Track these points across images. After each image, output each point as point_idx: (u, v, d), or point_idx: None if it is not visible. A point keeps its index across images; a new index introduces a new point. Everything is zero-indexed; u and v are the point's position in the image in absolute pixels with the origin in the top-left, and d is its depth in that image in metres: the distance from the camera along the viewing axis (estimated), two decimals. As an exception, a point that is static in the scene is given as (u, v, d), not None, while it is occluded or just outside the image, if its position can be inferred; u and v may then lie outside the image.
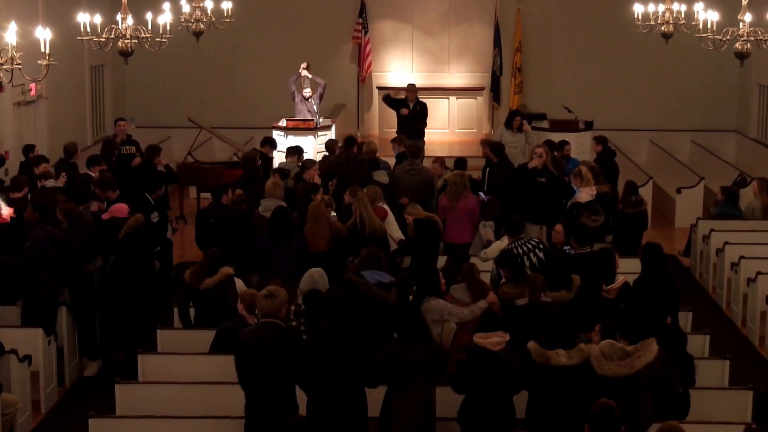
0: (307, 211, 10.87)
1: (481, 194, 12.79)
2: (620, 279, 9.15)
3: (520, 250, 10.00)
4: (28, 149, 14.00)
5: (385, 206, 11.60)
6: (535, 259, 9.94)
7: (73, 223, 10.85)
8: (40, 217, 10.49)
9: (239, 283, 9.65)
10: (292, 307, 8.56)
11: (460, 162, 13.51)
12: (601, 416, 6.41)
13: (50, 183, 12.10)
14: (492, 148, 13.95)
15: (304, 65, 16.74)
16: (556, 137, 15.34)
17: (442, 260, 10.97)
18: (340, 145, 14.51)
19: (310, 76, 16.68)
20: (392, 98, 17.27)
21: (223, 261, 9.51)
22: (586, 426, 6.44)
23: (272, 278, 9.09)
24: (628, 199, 12.60)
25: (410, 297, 9.05)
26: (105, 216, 10.88)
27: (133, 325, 10.36)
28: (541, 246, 10.17)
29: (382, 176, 13.11)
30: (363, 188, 11.45)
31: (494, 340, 7.46)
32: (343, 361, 7.37)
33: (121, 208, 10.79)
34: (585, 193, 12.34)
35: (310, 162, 13.38)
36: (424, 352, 7.53)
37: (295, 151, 14.16)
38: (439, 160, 13.75)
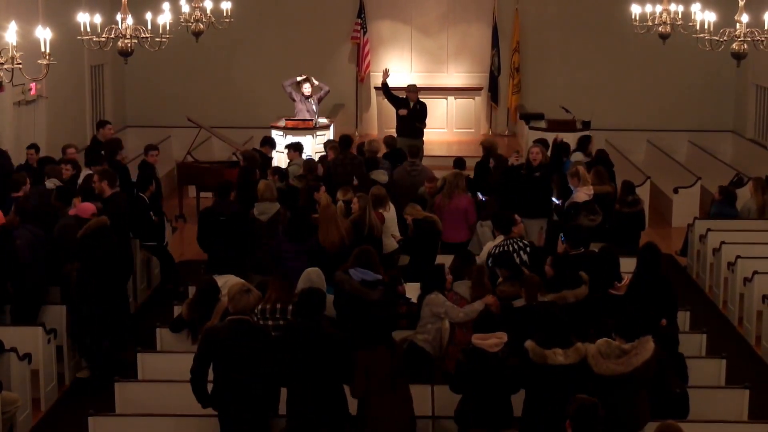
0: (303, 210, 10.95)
1: (479, 194, 12.81)
2: (626, 277, 9.19)
3: (510, 249, 10.02)
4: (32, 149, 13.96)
5: (384, 211, 11.54)
6: (518, 261, 9.85)
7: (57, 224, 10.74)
8: (21, 220, 10.38)
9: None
10: (290, 307, 8.58)
11: (459, 162, 13.56)
12: (584, 414, 6.18)
13: (50, 184, 12.08)
14: (486, 152, 13.99)
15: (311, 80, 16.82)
16: (553, 137, 15.35)
17: (440, 259, 11.01)
18: (332, 147, 14.42)
19: (316, 82, 16.77)
20: (391, 91, 17.15)
21: (216, 292, 9.13)
22: (567, 423, 6.20)
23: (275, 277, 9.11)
24: (625, 199, 12.64)
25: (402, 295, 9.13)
26: (71, 212, 10.61)
27: (104, 325, 10.28)
28: (528, 249, 10.13)
29: (380, 175, 13.09)
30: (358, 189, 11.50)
31: (492, 341, 7.48)
32: (316, 358, 7.38)
33: (86, 208, 10.43)
34: (582, 193, 12.37)
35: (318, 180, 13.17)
36: (386, 357, 7.51)
37: (294, 148, 14.29)
38: (434, 181, 13.72)
